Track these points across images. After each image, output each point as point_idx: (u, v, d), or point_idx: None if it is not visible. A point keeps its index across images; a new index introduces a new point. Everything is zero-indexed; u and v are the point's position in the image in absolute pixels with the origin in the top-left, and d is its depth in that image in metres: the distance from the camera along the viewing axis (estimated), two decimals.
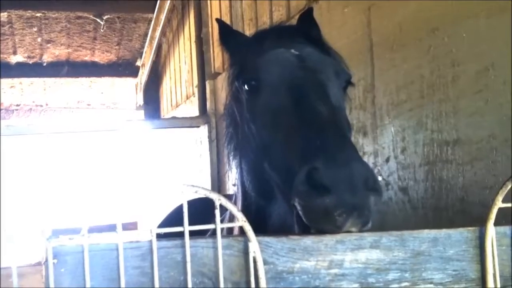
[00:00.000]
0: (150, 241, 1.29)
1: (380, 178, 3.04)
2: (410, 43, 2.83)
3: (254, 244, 1.34)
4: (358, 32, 3.31)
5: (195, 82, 6.43)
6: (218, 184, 5.64)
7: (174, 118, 7.03)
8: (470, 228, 1.55)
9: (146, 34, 8.61)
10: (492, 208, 1.53)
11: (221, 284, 1.31)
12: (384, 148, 3.07)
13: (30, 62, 9.05)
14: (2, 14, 7.65)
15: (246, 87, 1.96)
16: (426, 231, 1.51)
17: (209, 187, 5.71)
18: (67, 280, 1.23)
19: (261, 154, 1.85)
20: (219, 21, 2.31)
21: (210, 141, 5.68)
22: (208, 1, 6.12)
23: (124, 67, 9.55)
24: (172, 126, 6.50)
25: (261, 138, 1.87)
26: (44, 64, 9.16)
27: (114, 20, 8.01)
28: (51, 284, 1.20)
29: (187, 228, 1.30)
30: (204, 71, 6.06)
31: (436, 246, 1.51)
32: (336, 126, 1.68)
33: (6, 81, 9.45)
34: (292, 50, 1.93)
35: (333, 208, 1.42)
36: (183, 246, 1.31)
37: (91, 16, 7.89)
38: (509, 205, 1.55)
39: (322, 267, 1.42)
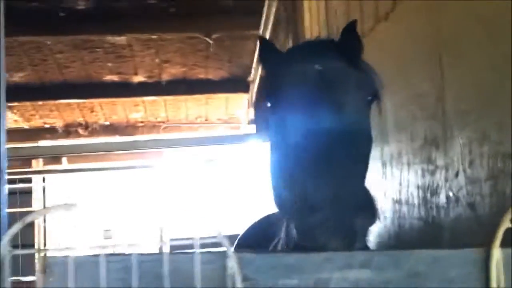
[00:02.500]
0: (134, 255, 1.37)
1: (451, 194, 2.90)
2: (475, 51, 2.68)
3: (232, 259, 1.37)
4: (427, 40, 3.18)
5: None
6: None
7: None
8: (476, 248, 1.45)
9: (254, 51, 8.85)
10: (499, 228, 1.43)
11: None
12: (453, 161, 2.92)
13: (150, 81, 9.64)
14: (121, 38, 8.25)
15: (268, 104, 1.99)
16: (424, 250, 1.44)
17: None
18: None
19: (273, 171, 1.89)
20: (261, 38, 2.36)
21: None
22: (303, 16, 6.16)
23: (236, 83, 9.88)
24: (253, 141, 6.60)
25: (272, 155, 1.90)
26: (163, 83, 9.72)
27: (223, 39, 8.32)
28: None
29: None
30: None
31: (436, 267, 1.43)
32: (336, 145, 1.66)
33: (130, 100, 10.16)
34: (316, 66, 1.93)
35: (316, 227, 1.43)
36: (162, 260, 1.38)
37: (201, 36, 8.24)
38: None
39: (306, 286, 1.41)
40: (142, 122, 11.09)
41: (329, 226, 1.44)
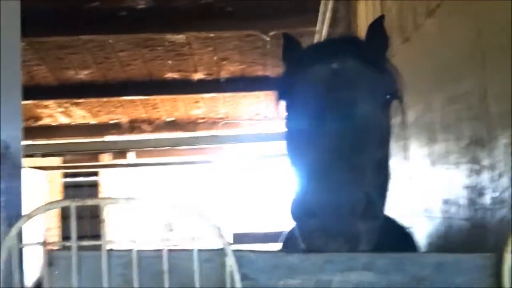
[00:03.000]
0: (135, 251, 1.40)
1: (495, 195, 2.78)
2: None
3: (231, 258, 1.38)
4: (470, 38, 3.07)
5: None
6: None
7: None
8: (485, 254, 1.40)
9: None
10: (511, 233, 1.37)
11: None
12: (498, 162, 2.80)
13: (209, 78, 9.76)
14: (180, 36, 8.39)
15: (284, 103, 1.99)
16: (430, 255, 1.41)
17: None
18: (60, 282, 1.39)
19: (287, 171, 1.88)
20: (284, 35, 2.35)
21: None
22: (358, 14, 6.07)
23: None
24: None
25: (287, 156, 1.90)
26: (222, 80, 9.81)
27: (280, 36, 8.29)
28: (46, 284, 1.37)
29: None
30: None
31: (442, 272, 1.39)
32: (342, 149, 1.63)
33: (190, 97, 10.33)
34: (333, 65, 1.90)
35: (315, 231, 1.42)
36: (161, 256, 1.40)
37: (258, 34, 8.26)
38: None
39: (307, 287, 1.40)
40: (202, 118, 11.24)
41: (328, 231, 1.43)
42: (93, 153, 11.13)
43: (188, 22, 8.03)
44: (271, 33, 8.50)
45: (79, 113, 10.97)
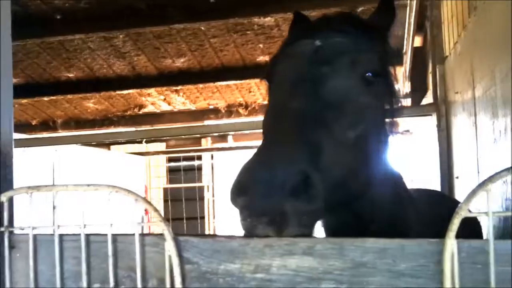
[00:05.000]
0: (86, 235, 1.47)
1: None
2: None
3: (170, 243, 1.40)
4: (505, 19, 2.82)
5: (430, 68, 6.10)
6: (448, 177, 5.24)
7: (403, 106, 6.76)
8: (432, 240, 1.31)
9: (405, 21, 8.45)
10: (454, 218, 1.27)
11: (139, 284, 1.41)
12: None
13: None
14: (268, 19, 8.44)
15: (267, 81, 1.96)
16: (372, 240, 1.34)
17: (439, 180, 5.35)
18: (21, 263, 1.50)
19: None
20: (295, 13, 2.32)
21: (440, 131, 5.33)
22: None
23: (395, 52, 9.52)
24: (402, 116, 6.21)
25: None
26: None
27: (371, 11, 8.06)
28: (7, 266, 1.48)
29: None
30: (435, 56, 5.69)
31: (384, 258, 1.32)
32: (293, 126, 1.58)
33: None
34: (317, 41, 1.85)
35: (241, 211, 1.40)
36: (114, 241, 1.46)
37: (346, 11, 8.09)
38: (474, 215, 1.27)
39: (247, 271, 1.39)
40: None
41: (253, 209, 1.38)
42: (195, 137, 11.52)
43: (274, 4, 8.05)
44: (360, 9, 8.30)
45: (179, 99, 11.39)
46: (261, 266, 1.38)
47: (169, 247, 1.40)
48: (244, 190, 1.40)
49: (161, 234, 1.43)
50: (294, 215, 1.38)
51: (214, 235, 1.45)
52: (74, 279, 1.47)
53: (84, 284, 1.44)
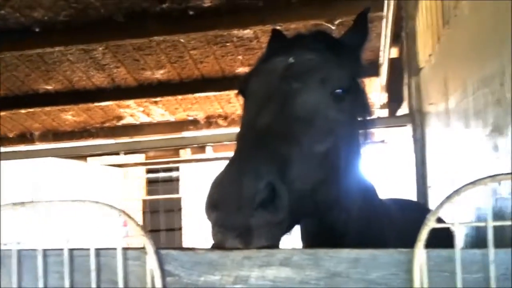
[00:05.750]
0: (70, 250, 1.51)
1: None
2: None
3: (151, 257, 1.45)
4: (491, 22, 2.92)
5: (406, 79, 6.24)
6: (423, 186, 5.35)
7: (379, 117, 6.91)
8: (402, 249, 1.38)
9: (381, 33, 8.61)
10: (423, 229, 1.34)
11: None
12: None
13: None
14: (247, 31, 8.53)
15: (242, 96, 2.03)
16: (346, 250, 1.40)
17: (414, 189, 5.46)
18: (6, 278, 1.53)
19: None
20: (273, 30, 2.39)
21: (415, 141, 5.44)
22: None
23: (368, 67, 9.67)
24: (377, 126, 6.32)
25: None
26: None
27: (349, 23, 8.17)
28: None
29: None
30: (410, 68, 5.82)
31: (357, 267, 1.39)
32: (260, 139, 1.64)
33: None
34: (290, 59, 1.92)
35: (213, 226, 1.46)
36: (97, 255, 1.50)
37: (324, 23, 8.22)
38: (441, 226, 1.34)
39: (227, 282, 1.44)
40: None
41: (222, 224, 1.45)
42: (174, 148, 11.54)
43: (253, 16, 8.14)
44: (337, 21, 8.43)
45: (158, 111, 11.41)
46: (240, 277, 1.44)
47: (151, 260, 1.44)
48: (215, 205, 1.47)
49: (143, 248, 1.47)
50: (260, 227, 1.44)
51: (194, 248, 1.50)
52: None
53: None
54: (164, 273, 1.46)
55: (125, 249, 1.48)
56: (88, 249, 1.49)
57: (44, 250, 1.51)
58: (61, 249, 1.51)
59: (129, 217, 1.46)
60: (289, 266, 1.41)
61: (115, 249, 1.50)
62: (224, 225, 1.45)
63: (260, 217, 1.45)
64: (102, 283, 1.49)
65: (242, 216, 1.44)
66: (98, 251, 1.49)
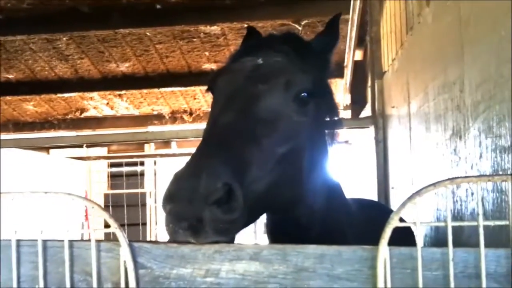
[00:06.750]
0: (44, 240, 1.53)
1: (468, 187, 2.77)
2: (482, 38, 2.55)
3: (125, 249, 1.49)
4: (453, 30, 3.04)
5: (369, 82, 6.38)
6: (384, 187, 5.50)
7: (342, 118, 7.01)
8: (366, 246, 1.45)
9: (346, 35, 8.74)
10: (386, 227, 1.42)
11: (94, 284, 1.49)
12: (470, 154, 2.79)
13: None
14: (215, 27, 8.54)
15: (211, 93, 2.08)
16: (312, 246, 1.46)
17: (376, 190, 5.61)
18: None
19: None
20: (248, 28, 2.44)
21: (377, 142, 5.58)
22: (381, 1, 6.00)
23: (334, 69, 9.79)
24: (341, 128, 6.40)
25: None
26: None
27: (315, 24, 8.31)
28: None
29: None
30: (374, 71, 5.96)
31: (323, 263, 1.45)
32: (222, 138, 1.70)
33: None
34: (259, 60, 1.97)
35: (166, 217, 1.51)
36: (70, 246, 1.53)
37: (291, 23, 8.30)
38: (404, 225, 1.42)
39: (198, 275, 1.49)
40: None
41: (174, 215, 1.50)
42: (138, 143, 11.48)
43: (221, 13, 8.16)
44: (304, 22, 8.53)
45: (122, 104, 11.33)
46: (211, 271, 1.49)
47: (124, 252, 1.48)
48: (171, 198, 1.52)
49: (116, 240, 1.51)
50: (211, 222, 1.49)
51: (167, 242, 1.54)
52: (31, 283, 1.53)
53: (41, 285, 1.50)
54: (137, 266, 1.50)
55: (98, 241, 1.51)
56: (62, 241, 1.52)
57: (18, 241, 1.53)
58: (35, 240, 1.53)
59: (103, 209, 1.50)
60: (258, 260, 1.47)
61: (88, 241, 1.53)
62: (176, 216, 1.50)
63: (213, 213, 1.50)
64: (75, 273, 1.52)
65: (194, 208, 1.49)
66: (71, 242, 1.52)
